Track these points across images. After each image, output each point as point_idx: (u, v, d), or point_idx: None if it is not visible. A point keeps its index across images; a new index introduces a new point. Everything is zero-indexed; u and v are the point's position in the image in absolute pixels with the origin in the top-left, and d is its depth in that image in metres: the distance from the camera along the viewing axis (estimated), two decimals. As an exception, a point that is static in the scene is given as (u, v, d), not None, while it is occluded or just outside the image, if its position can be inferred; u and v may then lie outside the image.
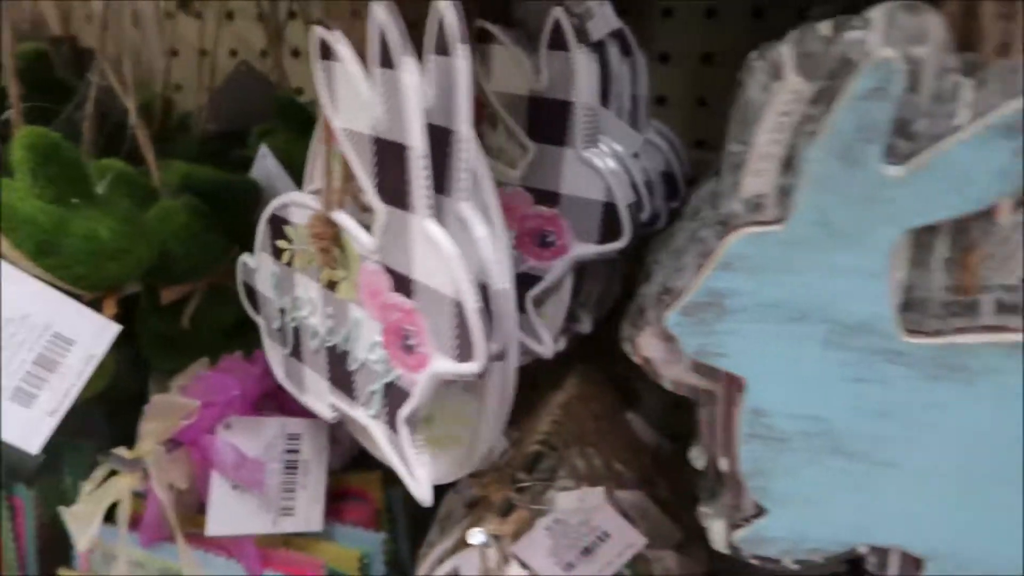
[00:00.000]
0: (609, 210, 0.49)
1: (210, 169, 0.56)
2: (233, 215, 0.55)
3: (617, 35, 0.56)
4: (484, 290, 0.37)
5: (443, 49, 0.35)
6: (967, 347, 0.29)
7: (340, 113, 0.37)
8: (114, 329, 0.44)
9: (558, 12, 0.48)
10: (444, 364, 0.36)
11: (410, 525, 0.63)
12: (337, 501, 0.60)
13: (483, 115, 0.53)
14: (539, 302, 0.54)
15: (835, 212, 0.29)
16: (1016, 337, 0.28)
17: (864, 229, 0.28)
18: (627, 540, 0.45)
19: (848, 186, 0.28)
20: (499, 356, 0.38)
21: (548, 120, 0.50)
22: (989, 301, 0.29)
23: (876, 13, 0.27)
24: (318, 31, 0.35)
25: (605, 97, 0.53)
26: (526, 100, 0.51)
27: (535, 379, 0.61)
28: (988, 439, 0.30)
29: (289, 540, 0.56)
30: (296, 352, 0.46)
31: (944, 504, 0.31)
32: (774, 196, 0.30)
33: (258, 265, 0.47)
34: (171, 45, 0.74)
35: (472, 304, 0.34)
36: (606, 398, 0.59)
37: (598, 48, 0.52)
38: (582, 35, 0.49)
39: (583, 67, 0.48)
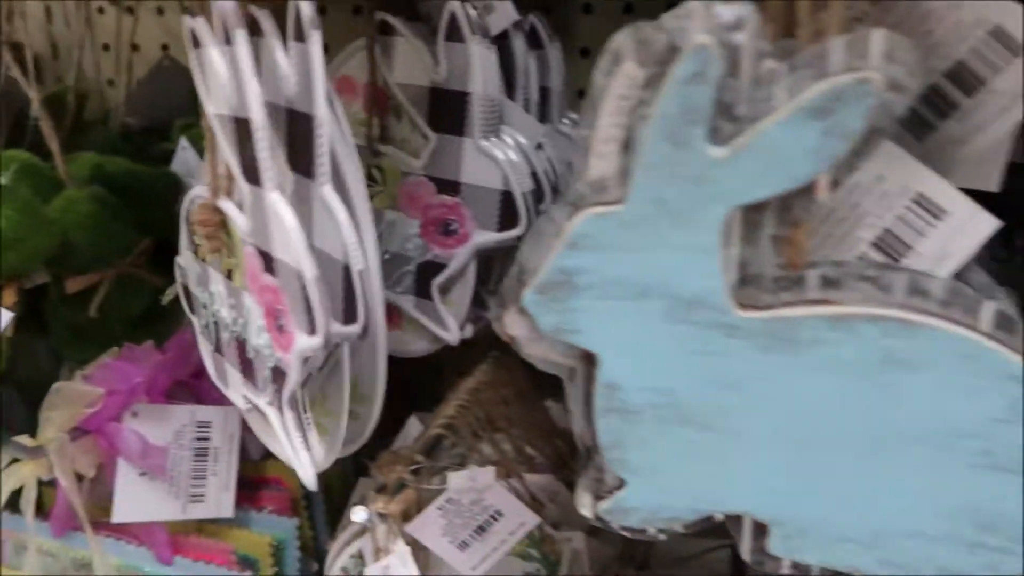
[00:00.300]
0: (507, 198, 0.51)
1: (122, 161, 0.57)
2: (145, 206, 0.56)
3: (528, 28, 0.57)
4: (348, 271, 0.38)
5: (300, 36, 0.36)
6: (793, 319, 0.30)
7: (211, 99, 0.38)
8: (7, 316, 0.44)
9: (454, 5, 0.49)
10: (304, 341, 0.37)
11: (329, 511, 0.63)
12: (254, 489, 0.61)
13: (387, 106, 0.54)
14: (445, 289, 0.55)
15: (667, 192, 0.30)
16: (838, 309, 0.30)
17: (694, 208, 0.30)
18: (520, 518, 0.47)
19: (678, 167, 0.29)
20: (363, 334, 0.39)
21: (447, 111, 0.51)
22: (815, 276, 0.31)
23: (695, 3, 0.28)
24: (186, 20, 0.36)
25: (511, 89, 0.55)
26: (427, 91, 0.52)
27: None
28: (818, 407, 0.31)
29: (202, 527, 0.57)
30: (218, 347, 0.47)
31: (784, 470, 0.33)
32: (615, 178, 0.31)
33: (186, 264, 0.48)
34: (103, 40, 0.74)
35: (311, 273, 0.35)
36: (519, 384, 0.61)
37: (501, 41, 0.53)
38: (483, 29, 0.51)
39: (478, 59, 0.49)
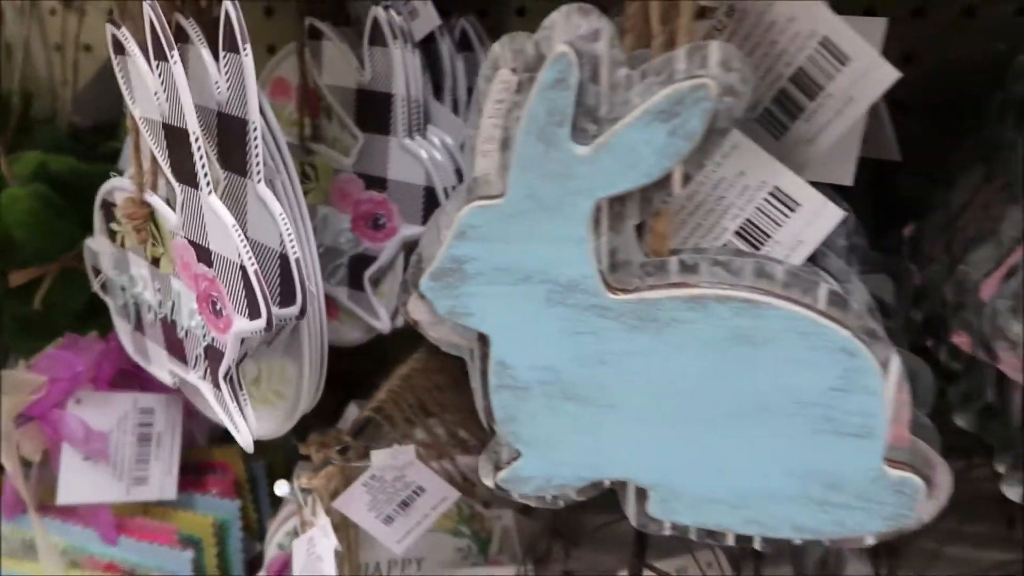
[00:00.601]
0: (430, 194, 0.54)
1: (67, 159, 0.59)
2: (89, 203, 0.58)
3: (458, 31, 0.60)
4: (285, 260, 0.41)
5: (232, 47, 0.39)
6: (656, 301, 0.34)
7: (137, 103, 0.41)
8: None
9: (377, 11, 0.52)
10: (241, 323, 0.40)
11: (272, 494, 0.66)
12: (200, 474, 0.63)
13: (318, 107, 0.57)
14: (376, 281, 0.58)
15: (539, 187, 0.33)
16: (694, 291, 0.33)
17: (563, 201, 0.33)
18: (441, 494, 0.50)
19: (547, 164, 0.33)
20: (300, 315, 0.42)
21: (373, 111, 0.54)
22: (675, 261, 0.34)
23: (556, 16, 0.31)
24: (109, 28, 0.39)
25: (439, 90, 0.58)
26: (354, 93, 0.55)
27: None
28: (681, 381, 0.34)
29: (148, 509, 0.60)
30: (139, 326, 0.50)
31: (656, 439, 0.36)
32: (497, 174, 0.34)
33: (99, 248, 0.51)
34: (54, 40, 0.76)
35: (251, 267, 0.38)
36: (451, 371, 0.64)
37: (428, 44, 0.56)
38: (407, 33, 0.53)
39: (400, 62, 0.52)
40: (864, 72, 0.32)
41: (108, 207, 0.47)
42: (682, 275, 0.34)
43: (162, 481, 0.57)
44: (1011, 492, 0.42)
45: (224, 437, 0.66)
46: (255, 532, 0.63)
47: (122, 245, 0.48)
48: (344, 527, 0.53)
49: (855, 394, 0.32)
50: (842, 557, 0.58)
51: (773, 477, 0.35)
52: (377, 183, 0.55)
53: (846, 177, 0.37)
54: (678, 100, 0.30)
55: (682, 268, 0.34)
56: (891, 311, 0.46)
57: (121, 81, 0.41)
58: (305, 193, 0.58)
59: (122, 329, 0.52)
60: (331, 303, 0.59)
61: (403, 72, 0.52)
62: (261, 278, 0.39)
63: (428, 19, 0.55)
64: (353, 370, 0.62)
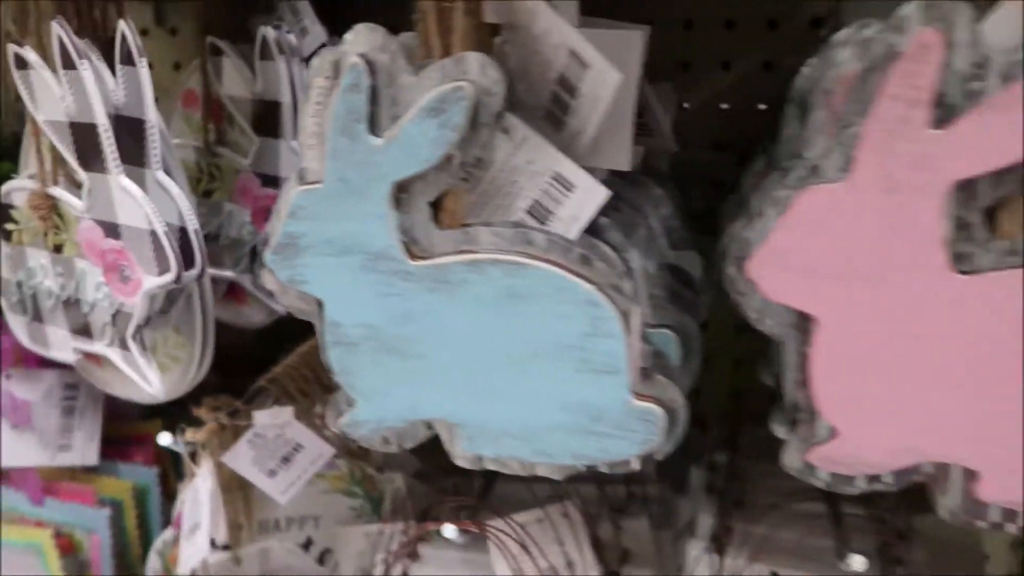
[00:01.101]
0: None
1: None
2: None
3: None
4: (184, 232, 0.49)
5: (129, 61, 0.46)
6: (445, 266, 0.41)
7: (40, 110, 0.48)
8: None
9: (266, 30, 0.59)
10: (152, 280, 0.48)
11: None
12: (126, 445, 0.70)
13: (221, 115, 0.64)
14: (275, 268, 0.65)
15: (347, 173, 0.40)
16: (474, 256, 0.40)
17: (366, 184, 0.40)
18: (318, 450, 0.57)
19: (352, 154, 0.40)
20: (199, 276, 0.50)
21: (265, 118, 0.61)
22: (461, 232, 0.41)
23: (351, 34, 0.39)
24: (11, 47, 0.46)
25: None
26: (250, 102, 0.62)
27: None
28: (472, 333, 0.42)
29: (75, 475, 0.67)
30: (37, 316, 0.57)
31: (458, 384, 0.43)
32: (318, 163, 0.42)
33: None
34: None
35: (161, 229, 0.46)
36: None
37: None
38: (296, 49, 0.61)
39: (285, 74, 0.59)
40: (600, 75, 0.39)
41: (4, 209, 0.55)
42: (467, 244, 0.41)
43: (84, 448, 0.64)
44: (789, 460, 0.43)
45: (150, 414, 0.73)
46: (175, 497, 0.70)
47: (19, 242, 0.55)
48: (241, 487, 0.60)
49: (602, 338, 0.40)
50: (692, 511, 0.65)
51: (549, 412, 0.42)
52: (271, 181, 0.62)
53: (624, 163, 0.44)
54: (443, 99, 0.38)
55: (467, 238, 0.41)
56: (696, 283, 0.53)
57: (24, 92, 0.48)
58: (211, 192, 0.66)
59: (16, 323, 0.59)
60: (239, 289, 0.66)
61: (288, 83, 0.59)
62: (170, 237, 0.47)
63: (316, 36, 0.62)
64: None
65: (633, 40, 0.42)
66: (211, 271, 0.59)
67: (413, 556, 0.64)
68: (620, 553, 0.63)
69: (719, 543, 0.60)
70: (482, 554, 0.61)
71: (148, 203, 0.47)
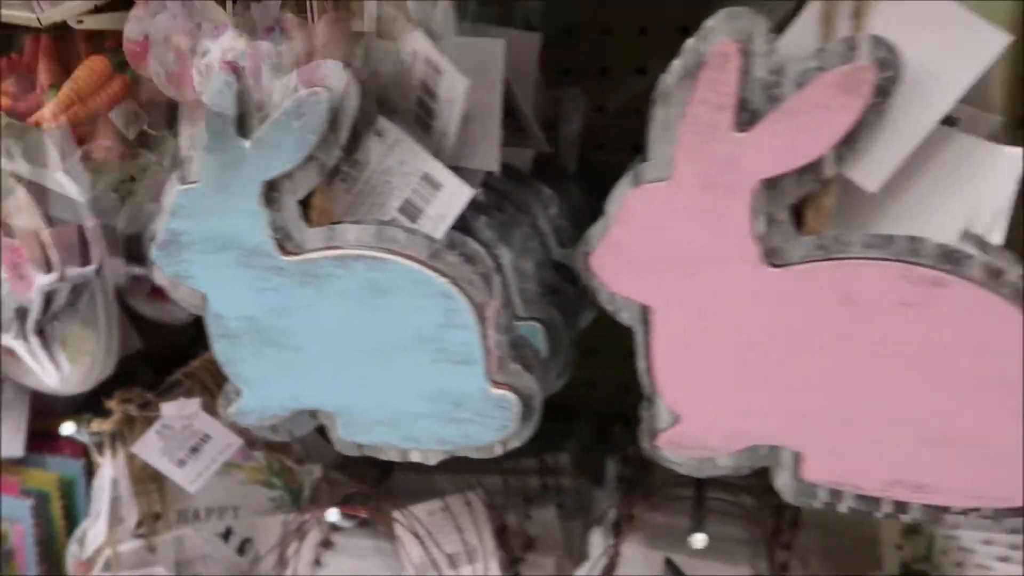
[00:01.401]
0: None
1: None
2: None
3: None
4: (82, 230, 0.52)
5: None
6: (314, 261, 0.43)
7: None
8: None
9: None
10: (42, 279, 0.50)
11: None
12: (55, 439, 0.72)
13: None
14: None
15: (221, 173, 0.43)
16: (339, 252, 0.43)
17: (239, 183, 0.43)
18: (226, 441, 0.59)
19: (224, 154, 0.42)
20: (96, 272, 0.52)
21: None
22: (329, 229, 0.43)
23: (224, 41, 0.41)
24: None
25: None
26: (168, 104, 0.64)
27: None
28: (340, 325, 0.44)
29: (4, 467, 0.69)
30: None
31: (332, 374, 0.45)
32: (196, 163, 0.44)
33: None
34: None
35: (45, 232, 0.49)
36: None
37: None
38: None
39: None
40: (451, 81, 0.42)
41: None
42: (334, 240, 0.43)
43: (10, 440, 0.67)
44: (643, 445, 0.44)
45: (82, 408, 0.75)
46: (102, 489, 0.73)
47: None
48: (155, 478, 0.62)
49: (456, 329, 0.42)
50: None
51: (413, 400, 0.44)
52: (189, 182, 0.65)
53: (492, 164, 0.47)
54: (303, 103, 0.40)
55: (334, 234, 0.43)
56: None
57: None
58: (134, 192, 0.68)
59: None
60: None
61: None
62: (52, 240, 0.50)
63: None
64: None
65: (495, 48, 0.45)
66: (129, 269, 0.61)
67: (327, 545, 0.66)
68: (524, 540, 0.65)
69: (618, 530, 0.63)
70: (392, 543, 0.63)
71: (33, 207, 0.50)
